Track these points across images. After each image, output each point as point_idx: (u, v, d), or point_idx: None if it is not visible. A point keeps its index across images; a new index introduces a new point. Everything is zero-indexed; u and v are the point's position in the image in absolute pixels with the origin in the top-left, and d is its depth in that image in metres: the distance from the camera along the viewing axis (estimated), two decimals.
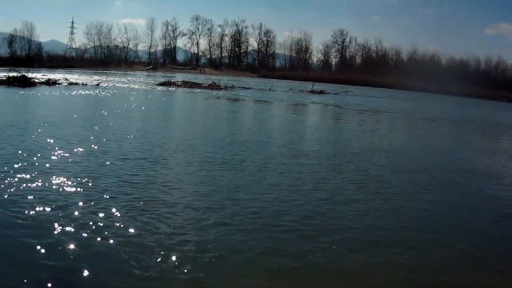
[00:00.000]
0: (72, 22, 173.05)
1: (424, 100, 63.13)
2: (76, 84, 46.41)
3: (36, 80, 42.86)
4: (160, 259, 5.75)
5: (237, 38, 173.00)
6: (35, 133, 14.12)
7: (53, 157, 10.81)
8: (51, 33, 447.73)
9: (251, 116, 24.40)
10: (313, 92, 54.84)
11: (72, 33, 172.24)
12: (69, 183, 8.72)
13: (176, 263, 5.67)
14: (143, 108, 24.48)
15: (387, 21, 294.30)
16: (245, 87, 55.92)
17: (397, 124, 25.87)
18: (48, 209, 7.19)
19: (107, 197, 7.97)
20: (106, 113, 21.06)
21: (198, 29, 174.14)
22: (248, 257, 5.98)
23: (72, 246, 5.94)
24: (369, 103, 43.75)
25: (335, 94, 53.61)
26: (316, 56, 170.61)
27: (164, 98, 34.55)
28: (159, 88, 47.05)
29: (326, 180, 10.03)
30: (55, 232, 6.34)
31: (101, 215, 7.07)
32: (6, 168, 9.52)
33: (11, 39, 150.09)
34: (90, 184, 8.73)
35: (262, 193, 8.68)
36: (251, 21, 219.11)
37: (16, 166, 9.74)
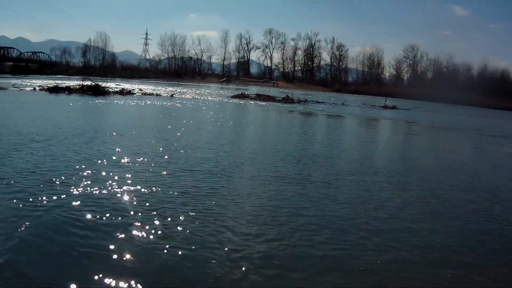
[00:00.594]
0: (146, 34, 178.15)
1: (494, 117, 60.62)
2: (149, 94, 47.22)
3: (109, 89, 43.69)
4: (224, 271, 5.65)
5: (310, 52, 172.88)
6: (103, 141, 14.35)
7: (117, 166, 10.83)
8: (125, 43, 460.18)
9: (323, 130, 23.55)
10: (385, 107, 53.71)
11: (146, 44, 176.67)
12: (130, 192, 8.72)
13: (240, 276, 5.57)
14: (215, 120, 24.31)
15: (457, 36, 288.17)
16: (317, 101, 55.36)
17: (468, 142, 25.04)
18: (108, 218, 7.20)
19: (170, 207, 7.92)
20: (177, 124, 21.14)
21: (271, 42, 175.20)
22: (312, 272, 5.82)
23: (133, 258, 5.86)
24: (440, 119, 42.53)
25: (407, 109, 52.79)
26: (388, 71, 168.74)
27: (237, 111, 34.38)
28: (233, 100, 47.03)
29: (391, 199, 9.64)
30: (116, 242, 6.30)
31: (163, 226, 7.00)
32: (70, 175, 9.61)
33: (85, 49, 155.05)
34: (152, 194, 8.69)
35: (326, 209, 8.50)
36: (324, 35, 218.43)
37: (81, 173, 9.80)
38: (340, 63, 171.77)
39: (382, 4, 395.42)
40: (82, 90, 41.13)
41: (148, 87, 62.55)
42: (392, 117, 38.70)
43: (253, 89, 78.15)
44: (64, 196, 8.12)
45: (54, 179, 9.19)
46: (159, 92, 52.56)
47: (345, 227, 7.56)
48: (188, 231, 6.85)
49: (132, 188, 8.94)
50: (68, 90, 41.50)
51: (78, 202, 7.79)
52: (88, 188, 8.70)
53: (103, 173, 9.94)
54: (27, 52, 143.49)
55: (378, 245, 6.88)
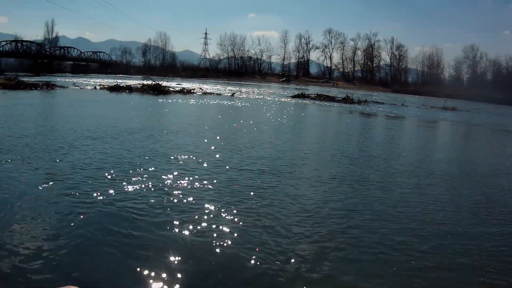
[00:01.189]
0: (206, 33, 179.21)
1: None
2: (210, 94, 47.69)
3: (170, 89, 44.62)
4: (275, 271, 5.69)
5: (369, 52, 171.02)
6: (161, 139, 14.83)
7: (172, 163, 11.10)
8: (185, 43, 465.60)
9: (382, 132, 24.14)
10: (445, 108, 53.19)
11: (205, 43, 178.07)
12: (181, 190, 8.83)
13: (291, 276, 5.61)
14: (275, 120, 24.69)
15: None
16: (377, 102, 55.23)
17: None
18: (158, 215, 7.34)
19: (222, 205, 7.99)
20: (236, 124, 21.35)
21: (331, 42, 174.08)
22: (363, 274, 5.86)
23: (184, 255, 5.93)
24: (501, 122, 41.68)
25: (467, 111, 52.04)
26: (447, 72, 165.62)
27: (297, 111, 34.62)
28: (293, 100, 47.18)
29: (446, 203, 9.46)
30: (167, 239, 6.42)
31: (214, 224, 7.05)
32: (122, 172, 9.91)
33: (145, 49, 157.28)
34: (205, 192, 8.80)
35: (379, 210, 8.50)
36: (383, 35, 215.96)
37: (137, 170, 10.15)
38: (400, 63, 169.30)
39: (441, 4, 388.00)
40: (143, 89, 42.24)
41: (208, 87, 63.36)
42: (452, 119, 38.49)
43: (313, 89, 77.85)
44: (114, 192, 8.43)
45: (122, 174, 9.78)
46: (219, 91, 53.18)
47: (397, 229, 7.56)
48: (239, 230, 6.91)
49: (186, 186, 9.18)
50: (129, 89, 42.55)
51: (128, 200, 8.04)
52: (141, 185, 8.99)
53: (157, 170, 10.37)
54: (87, 51, 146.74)
55: (431, 248, 6.84)
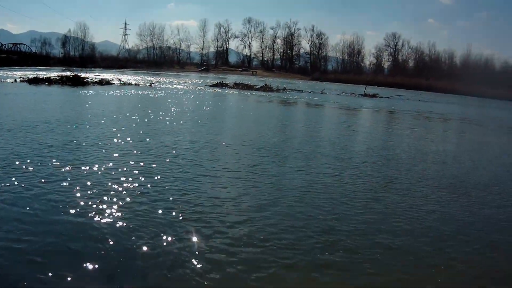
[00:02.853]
0: (125, 24, 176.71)
1: (485, 106, 60.38)
2: (128, 84, 47.03)
3: (89, 80, 43.66)
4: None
5: (289, 41, 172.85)
6: (73, 130, 14.12)
7: (82, 152, 10.25)
8: (104, 34, 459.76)
9: (302, 119, 23.74)
10: (365, 95, 54.16)
11: (125, 34, 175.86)
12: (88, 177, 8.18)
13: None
14: (188, 109, 24.12)
15: (441, 24, 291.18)
16: (297, 90, 55.74)
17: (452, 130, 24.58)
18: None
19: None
20: (152, 114, 20.88)
21: (250, 31, 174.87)
22: None
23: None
24: (420, 107, 42.38)
25: (388, 97, 52.97)
26: (368, 59, 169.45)
27: (214, 100, 34.06)
28: (212, 89, 47.02)
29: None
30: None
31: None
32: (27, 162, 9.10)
33: (65, 40, 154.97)
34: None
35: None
36: (303, 24, 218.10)
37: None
38: (320, 52, 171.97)
39: None
40: (62, 81, 41.10)
41: (127, 77, 62.04)
42: (371, 105, 38.75)
43: (231, 78, 77.90)
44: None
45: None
46: (138, 81, 52.50)
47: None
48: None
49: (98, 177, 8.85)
50: (48, 81, 41.31)
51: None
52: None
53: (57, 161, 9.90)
54: (8, 43, 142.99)
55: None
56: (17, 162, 9.54)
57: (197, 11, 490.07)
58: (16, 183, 8.11)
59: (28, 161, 9.70)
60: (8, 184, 7.98)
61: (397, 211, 7.81)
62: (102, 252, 5.53)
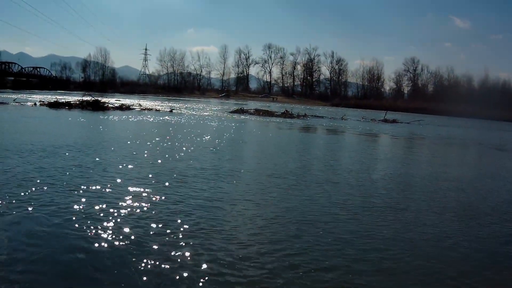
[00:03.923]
0: (146, 49, 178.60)
1: (504, 129, 59.44)
2: (149, 109, 47.39)
3: (109, 105, 44.04)
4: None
5: (309, 67, 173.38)
6: (93, 153, 13.97)
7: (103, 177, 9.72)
8: (125, 59, 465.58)
9: (322, 146, 23.25)
10: (385, 121, 53.84)
11: (145, 59, 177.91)
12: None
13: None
14: (209, 137, 23.60)
15: (458, 48, 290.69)
16: (317, 116, 55.55)
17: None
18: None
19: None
20: (172, 140, 20.40)
21: (270, 57, 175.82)
22: None
23: None
24: (440, 132, 41.72)
25: (407, 123, 52.72)
26: (388, 85, 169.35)
27: (236, 126, 33.40)
28: (232, 116, 46.92)
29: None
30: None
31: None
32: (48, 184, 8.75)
33: (85, 64, 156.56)
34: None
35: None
36: (323, 49, 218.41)
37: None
38: (340, 77, 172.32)
39: (382, 18, 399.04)
40: (82, 106, 41.49)
41: (147, 102, 63.05)
42: (391, 131, 38.19)
43: (252, 104, 77.96)
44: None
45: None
46: (158, 107, 52.88)
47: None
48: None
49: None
50: (68, 105, 41.80)
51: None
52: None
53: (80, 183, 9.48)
54: (28, 67, 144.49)
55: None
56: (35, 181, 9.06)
57: (217, 37, 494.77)
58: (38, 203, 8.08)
59: (39, 181, 9.55)
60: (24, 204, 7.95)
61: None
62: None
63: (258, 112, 51.40)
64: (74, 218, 7.39)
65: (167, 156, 15.17)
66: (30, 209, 7.76)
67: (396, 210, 9.47)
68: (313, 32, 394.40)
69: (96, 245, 6.31)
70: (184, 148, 17.59)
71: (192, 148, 17.96)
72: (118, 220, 7.48)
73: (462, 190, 12.49)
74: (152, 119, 34.57)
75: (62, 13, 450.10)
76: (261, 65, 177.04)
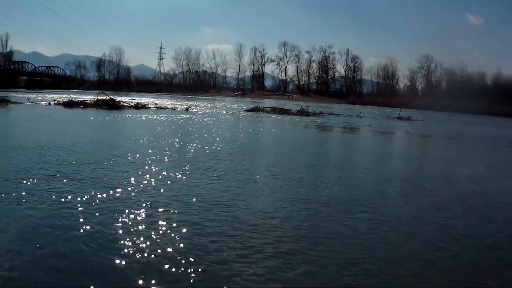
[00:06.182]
0: (161, 47, 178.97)
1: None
2: (164, 108, 47.44)
3: (124, 104, 44.01)
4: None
5: (324, 64, 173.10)
6: (105, 151, 13.70)
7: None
8: (140, 58, 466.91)
9: (337, 143, 23.12)
10: (400, 118, 54.08)
11: (160, 58, 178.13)
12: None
13: None
14: (229, 133, 24.07)
15: (471, 44, 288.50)
16: (333, 113, 55.61)
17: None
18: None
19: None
20: (189, 138, 20.37)
21: (285, 55, 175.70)
22: None
23: None
24: (454, 129, 42.57)
25: (421, 120, 52.72)
26: (402, 82, 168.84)
27: (252, 124, 33.74)
28: (248, 114, 46.97)
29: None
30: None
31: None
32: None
33: (100, 63, 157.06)
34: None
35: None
36: (338, 47, 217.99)
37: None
38: (355, 75, 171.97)
39: (395, 15, 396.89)
40: (97, 105, 41.52)
41: (163, 101, 63.20)
42: (405, 129, 38.38)
43: (268, 102, 78.01)
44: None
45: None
46: (174, 106, 52.96)
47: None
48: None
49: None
50: (83, 104, 41.93)
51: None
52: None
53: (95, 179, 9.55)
54: (41, 66, 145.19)
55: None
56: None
57: (232, 35, 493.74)
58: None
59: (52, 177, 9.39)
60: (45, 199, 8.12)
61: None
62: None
63: (274, 110, 51.48)
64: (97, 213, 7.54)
65: (188, 154, 15.30)
66: (53, 204, 7.95)
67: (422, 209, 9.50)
68: (327, 30, 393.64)
69: (126, 243, 6.40)
70: (204, 147, 17.55)
71: (211, 146, 17.94)
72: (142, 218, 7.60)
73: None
74: (168, 117, 34.64)
75: (76, 12, 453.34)
76: (276, 63, 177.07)
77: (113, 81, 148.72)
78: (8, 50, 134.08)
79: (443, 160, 18.94)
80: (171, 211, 7.89)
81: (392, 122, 47.76)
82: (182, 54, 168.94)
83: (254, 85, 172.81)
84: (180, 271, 5.44)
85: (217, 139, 20.75)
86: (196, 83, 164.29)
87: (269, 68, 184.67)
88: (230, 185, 10.36)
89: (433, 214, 8.78)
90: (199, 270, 5.50)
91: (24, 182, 9.45)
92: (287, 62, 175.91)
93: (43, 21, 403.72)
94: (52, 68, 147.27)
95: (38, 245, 5.99)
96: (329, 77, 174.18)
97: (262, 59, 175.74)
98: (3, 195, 8.31)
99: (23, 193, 8.52)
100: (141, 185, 9.86)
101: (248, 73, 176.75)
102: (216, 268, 5.57)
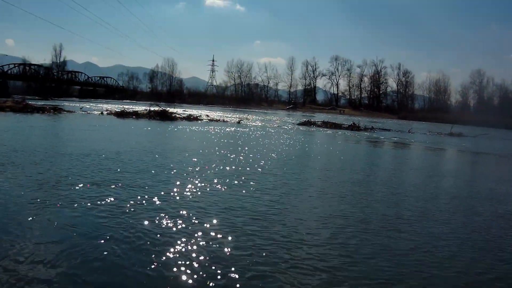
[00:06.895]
0: (213, 60, 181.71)
1: None
2: (216, 120, 48.03)
3: (177, 115, 44.99)
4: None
5: (376, 79, 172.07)
6: (159, 160, 14.11)
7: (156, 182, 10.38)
8: (192, 70, 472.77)
9: (387, 158, 23.80)
10: (451, 134, 53.38)
11: (212, 70, 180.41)
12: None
13: None
14: (280, 147, 24.20)
15: None
16: (384, 129, 55.41)
17: None
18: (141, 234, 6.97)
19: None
20: (240, 151, 20.61)
21: (337, 69, 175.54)
22: None
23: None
24: (507, 147, 41.69)
25: (473, 137, 52.22)
26: (454, 97, 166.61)
27: (304, 138, 34.08)
28: (300, 127, 47.17)
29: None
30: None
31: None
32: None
33: (152, 75, 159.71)
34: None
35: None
36: (390, 62, 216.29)
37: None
38: (407, 90, 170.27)
39: (446, 30, 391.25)
40: (150, 115, 42.63)
41: (214, 113, 64.31)
42: (456, 145, 38.24)
43: (319, 117, 77.92)
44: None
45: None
46: (226, 118, 53.70)
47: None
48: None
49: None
50: (136, 114, 43.09)
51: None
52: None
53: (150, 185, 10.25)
54: (94, 76, 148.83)
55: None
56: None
57: (283, 49, 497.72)
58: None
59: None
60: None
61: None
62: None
63: (325, 124, 51.80)
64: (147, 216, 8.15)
65: (235, 165, 15.56)
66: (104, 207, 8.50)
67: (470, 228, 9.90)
68: (379, 44, 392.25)
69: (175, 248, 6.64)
70: (256, 160, 17.81)
71: (262, 160, 18.19)
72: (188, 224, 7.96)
73: None
74: (219, 130, 34.97)
75: (130, 25, 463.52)
76: (328, 77, 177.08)
77: (166, 92, 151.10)
78: (61, 60, 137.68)
79: (495, 179, 18.51)
80: (213, 223, 8.07)
81: (443, 138, 47.27)
82: (234, 67, 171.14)
83: (305, 99, 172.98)
84: (221, 284, 5.55)
85: (268, 153, 21.14)
86: (248, 95, 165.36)
87: (320, 82, 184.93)
88: (275, 199, 10.47)
89: (480, 234, 8.81)
90: (241, 284, 5.58)
91: (74, 187, 10.01)
92: (339, 76, 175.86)
93: (97, 32, 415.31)
94: (105, 79, 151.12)
95: (75, 250, 6.26)
96: (380, 92, 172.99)
97: (313, 73, 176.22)
98: (51, 198, 8.82)
99: (72, 197, 9.07)
100: (189, 196, 10.24)
101: (300, 87, 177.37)
102: (257, 282, 5.65)
